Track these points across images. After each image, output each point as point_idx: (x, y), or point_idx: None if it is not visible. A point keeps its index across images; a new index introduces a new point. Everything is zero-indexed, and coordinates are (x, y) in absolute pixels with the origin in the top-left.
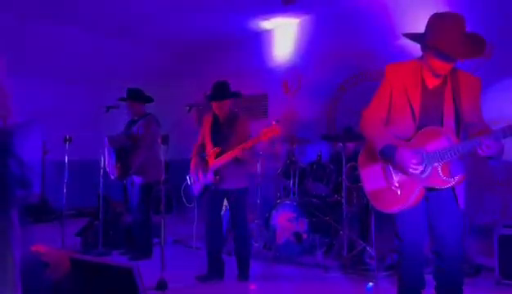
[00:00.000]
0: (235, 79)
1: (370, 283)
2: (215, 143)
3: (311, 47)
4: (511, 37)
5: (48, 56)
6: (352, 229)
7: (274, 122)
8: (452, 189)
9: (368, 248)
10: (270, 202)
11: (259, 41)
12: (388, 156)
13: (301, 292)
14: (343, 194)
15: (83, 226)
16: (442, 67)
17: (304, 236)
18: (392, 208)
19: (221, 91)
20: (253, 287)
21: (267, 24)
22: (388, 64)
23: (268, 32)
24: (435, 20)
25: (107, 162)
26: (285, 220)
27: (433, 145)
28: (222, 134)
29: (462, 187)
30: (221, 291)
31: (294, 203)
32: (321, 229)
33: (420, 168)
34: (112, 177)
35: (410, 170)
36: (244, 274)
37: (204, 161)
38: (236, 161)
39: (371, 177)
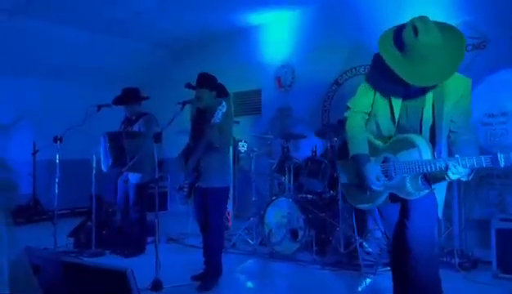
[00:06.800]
0: (228, 75)
1: (368, 279)
2: (193, 137)
3: (304, 42)
4: (505, 28)
5: (36, 55)
6: (349, 224)
7: None
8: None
9: (365, 244)
10: (265, 199)
11: (252, 36)
12: (357, 164)
13: (298, 289)
14: (339, 190)
15: (75, 227)
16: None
17: (300, 233)
18: (361, 205)
19: (197, 80)
20: (249, 284)
21: (259, 19)
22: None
23: (261, 27)
24: (408, 39)
25: (102, 157)
26: (281, 217)
27: (405, 155)
28: (197, 127)
29: (443, 194)
30: (217, 290)
31: (290, 200)
32: (316, 226)
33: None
34: (104, 169)
35: (372, 186)
36: (205, 284)
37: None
38: (211, 158)
39: (347, 170)
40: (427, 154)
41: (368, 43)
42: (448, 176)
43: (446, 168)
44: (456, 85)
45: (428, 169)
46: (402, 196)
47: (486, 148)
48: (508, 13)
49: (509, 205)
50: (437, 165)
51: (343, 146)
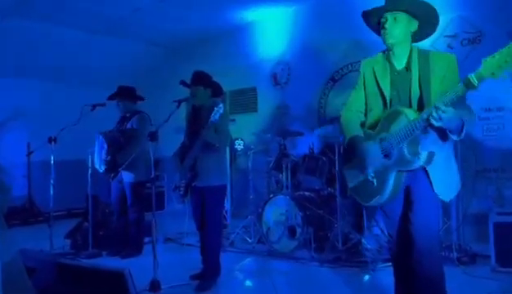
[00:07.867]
0: (224, 73)
1: (367, 276)
2: (188, 135)
3: (300, 38)
4: (500, 23)
5: (33, 55)
6: (347, 221)
7: None
8: (427, 176)
9: (363, 240)
10: (263, 196)
11: (247, 33)
12: (355, 146)
13: (297, 287)
14: (337, 186)
15: (72, 228)
16: (383, 33)
17: (298, 230)
18: (371, 201)
19: (192, 77)
20: (248, 283)
21: (255, 15)
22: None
23: (256, 24)
24: None
25: (97, 156)
26: (279, 215)
27: (396, 126)
28: (193, 126)
29: (441, 172)
30: (216, 289)
31: (287, 197)
32: (314, 223)
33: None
34: (100, 171)
35: (368, 170)
36: (203, 284)
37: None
38: (208, 157)
39: (352, 172)
40: (412, 115)
41: (364, 39)
42: (434, 123)
43: (431, 115)
44: (441, 59)
45: (417, 126)
46: (405, 168)
47: (482, 141)
48: (503, 7)
49: (506, 199)
50: (423, 117)
51: (345, 151)
